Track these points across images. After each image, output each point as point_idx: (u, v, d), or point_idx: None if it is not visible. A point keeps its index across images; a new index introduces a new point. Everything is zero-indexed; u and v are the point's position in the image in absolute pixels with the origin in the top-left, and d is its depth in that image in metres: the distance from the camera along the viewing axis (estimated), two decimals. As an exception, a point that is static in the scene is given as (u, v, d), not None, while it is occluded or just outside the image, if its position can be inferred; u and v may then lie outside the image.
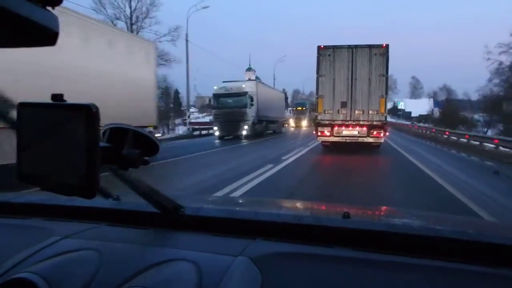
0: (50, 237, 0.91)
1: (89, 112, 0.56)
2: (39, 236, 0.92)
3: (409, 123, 45.76)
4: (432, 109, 65.28)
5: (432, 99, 76.00)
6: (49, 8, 0.51)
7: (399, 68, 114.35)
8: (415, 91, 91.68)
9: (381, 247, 0.85)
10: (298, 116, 41.86)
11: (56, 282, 0.71)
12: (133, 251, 0.86)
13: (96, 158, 0.57)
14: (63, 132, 0.60)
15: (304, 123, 39.86)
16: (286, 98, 33.83)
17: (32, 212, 1.13)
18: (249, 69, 59.09)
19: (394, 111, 79.87)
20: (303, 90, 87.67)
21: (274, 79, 52.87)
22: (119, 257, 0.83)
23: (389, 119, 55.33)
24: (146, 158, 0.70)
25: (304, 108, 42.40)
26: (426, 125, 36.35)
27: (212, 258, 0.82)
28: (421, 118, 61.22)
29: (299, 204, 1.63)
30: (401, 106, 79.15)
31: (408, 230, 0.96)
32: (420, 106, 68.91)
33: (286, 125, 37.39)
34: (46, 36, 0.51)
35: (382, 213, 1.47)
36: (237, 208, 0.96)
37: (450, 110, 46.77)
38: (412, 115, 68.74)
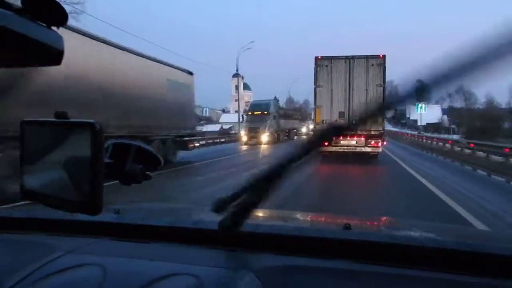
0: (52, 252, 0.90)
1: (93, 129, 0.56)
2: (42, 252, 0.91)
3: (414, 132, 38.88)
4: (442, 117, 59.89)
5: (439, 106, 67.25)
6: (54, 28, 0.52)
7: (402, 71, 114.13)
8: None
9: (383, 258, 0.85)
10: (253, 126, 25.33)
11: None
12: (136, 266, 0.86)
13: (100, 174, 0.57)
14: (67, 149, 0.60)
15: (265, 137, 24.67)
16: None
17: (33, 227, 1.12)
18: (236, 75, 52.72)
19: (396, 119, 75.64)
20: (297, 99, 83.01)
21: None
22: (122, 271, 0.83)
23: (392, 128, 53.15)
24: (148, 173, 0.70)
25: (265, 113, 26.01)
26: (439, 136, 29.87)
27: (215, 272, 0.82)
28: (430, 127, 54.62)
29: (299, 216, 1.64)
30: (408, 113, 71.23)
31: (409, 241, 0.95)
32: (427, 114, 63.33)
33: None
34: (52, 55, 0.53)
35: (382, 224, 1.46)
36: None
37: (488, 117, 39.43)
38: (419, 123, 63.29)
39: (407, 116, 69.85)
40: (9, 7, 0.47)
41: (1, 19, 0.45)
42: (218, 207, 0.86)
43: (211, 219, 0.95)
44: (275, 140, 25.95)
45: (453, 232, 1.48)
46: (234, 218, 0.86)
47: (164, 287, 0.75)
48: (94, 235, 1.03)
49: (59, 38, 0.53)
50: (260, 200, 0.82)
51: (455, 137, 29.95)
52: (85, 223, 1.07)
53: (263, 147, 22.36)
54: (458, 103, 65.01)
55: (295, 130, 34.23)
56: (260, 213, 1.61)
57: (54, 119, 0.60)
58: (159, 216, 1.33)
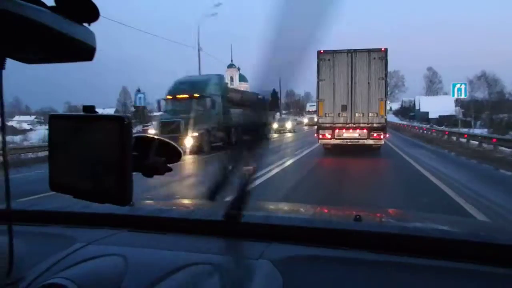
0: (73, 243, 0.93)
1: (123, 123, 0.57)
2: (63, 243, 0.93)
3: (424, 126, 32.37)
4: (455, 109, 48.07)
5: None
6: (85, 24, 0.54)
7: (410, 59, 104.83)
8: (432, 86, 73.31)
9: (393, 249, 0.87)
10: (169, 120, 14.99)
11: (87, 287, 0.73)
12: (156, 256, 0.88)
13: (130, 166, 0.58)
14: (95, 142, 0.61)
15: (188, 140, 14.19)
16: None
17: (51, 219, 1.15)
18: (231, 66, 49.29)
19: (404, 112, 68.72)
20: (298, 91, 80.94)
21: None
22: (144, 261, 0.85)
23: (399, 121, 50.08)
24: (169, 165, 0.72)
25: (197, 96, 15.44)
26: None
27: (235, 262, 0.87)
28: (443, 120, 45.06)
29: (310, 208, 1.69)
30: (417, 105, 62.41)
31: (419, 232, 1.00)
32: (439, 105, 52.02)
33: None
34: (85, 51, 0.55)
35: (391, 216, 1.49)
36: (249, 213, 0.97)
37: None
38: (430, 116, 52.26)
39: (417, 108, 62.29)
40: (44, 4, 0.50)
41: (38, 16, 0.48)
42: (211, 195, 0.90)
43: (218, 210, 0.98)
44: (209, 146, 15.12)
45: (460, 223, 1.54)
46: (236, 207, 0.90)
47: (187, 276, 0.77)
48: (111, 226, 1.06)
49: (91, 34, 0.54)
50: (248, 183, 0.88)
51: (478, 131, 25.00)
52: (102, 216, 1.10)
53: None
54: (480, 92, 55.45)
55: (268, 127, 27.13)
56: (272, 205, 1.66)
57: (82, 113, 0.61)
58: (171, 209, 1.39)
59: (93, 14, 0.53)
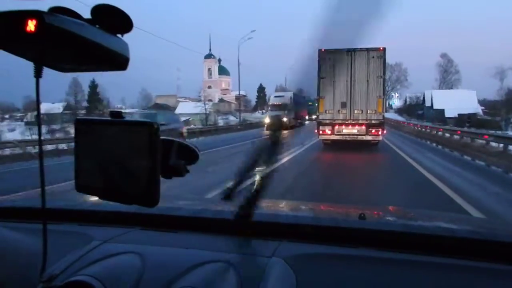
0: (90, 241, 0.94)
1: (152, 128, 0.59)
2: (80, 241, 0.94)
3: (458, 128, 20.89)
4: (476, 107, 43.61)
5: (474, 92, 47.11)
6: (119, 35, 0.56)
7: (417, 53, 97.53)
8: (446, 77, 60.35)
9: (398, 246, 0.89)
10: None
11: (110, 284, 0.73)
12: (172, 253, 0.90)
13: (158, 169, 0.60)
14: (123, 146, 0.62)
15: None
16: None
17: (64, 217, 1.15)
18: (209, 56, 44.97)
19: (410, 109, 56.57)
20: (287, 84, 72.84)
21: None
22: (160, 259, 0.86)
23: (402, 119, 43.34)
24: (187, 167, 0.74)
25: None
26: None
27: (249, 259, 0.87)
28: (463, 119, 36.48)
29: (315, 206, 1.72)
30: (428, 101, 51.76)
31: (422, 230, 1.02)
32: (459, 101, 43.53)
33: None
34: (119, 61, 0.57)
35: (394, 214, 1.52)
36: (260, 211, 1.01)
37: None
38: (447, 114, 43.17)
39: (428, 105, 51.38)
40: (81, 17, 0.53)
41: (75, 28, 0.50)
42: (227, 195, 0.94)
43: (228, 209, 1.01)
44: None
45: (462, 221, 1.59)
46: (246, 207, 0.93)
47: (203, 274, 0.78)
48: (125, 225, 1.07)
49: (125, 45, 0.56)
50: (263, 184, 0.91)
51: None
52: (114, 213, 1.11)
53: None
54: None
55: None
56: (278, 204, 1.68)
57: (109, 118, 0.64)
58: (182, 207, 1.40)
59: (126, 25, 0.55)
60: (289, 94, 30.85)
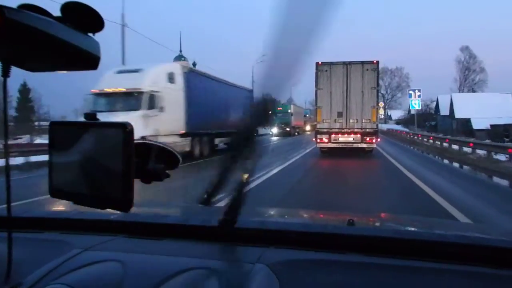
0: (71, 250, 0.92)
1: (125, 130, 0.58)
2: (60, 249, 0.92)
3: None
4: None
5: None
6: (90, 34, 0.54)
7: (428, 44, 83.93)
8: (468, 77, 46.58)
9: (387, 251, 0.90)
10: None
11: None
12: (154, 261, 0.88)
13: (132, 172, 0.59)
14: (97, 149, 0.61)
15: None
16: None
17: (46, 225, 1.14)
18: (179, 58, 34.68)
19: (418, 120, 35.71)
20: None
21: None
22: (142, 267, 0.85)
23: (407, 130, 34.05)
24: (167, 171, 0.73)
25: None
26: None
27: (232, 266, 0.87)
28: (498, 132, 26.52)
29: (304, 213, 1.72)
30: (444, 107, 40.20)
31: (410, 235, 1.03)
32: (487, 107, 32.74)
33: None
34: (90, 60, 0.56)
35: (383, 220, 1.53)
36: (246, 219, 1.02)
37: None
38: (476, 126, 31.98)
39: (445, 113, 39.91)
40: (50, 15, 0.51)
41: (44, 26, 0.49)
42: (204, 200, 0.92)
43: (213, 215, 1.01)
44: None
45: (450, 226, 1.63)
46: (231, 213, 0.92)
47: (186, 281, 0.78)
48: (107, 232, 1.06)
49: (96, 44, 0.55)
50: (242, 190, 0.89)
51: None
52: (97, 222, 1.10)
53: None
54: None
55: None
56: (266, 210, 1.68)
57: (83, 121, 0.63)
58: (167, 214, 1.40)
59: (98, 24, 0.54)
60: (288, 107, 34.29)
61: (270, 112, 0.88)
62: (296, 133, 37.84)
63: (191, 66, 19.00)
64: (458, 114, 36.58)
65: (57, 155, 0.66)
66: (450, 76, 49.09)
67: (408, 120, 48.14)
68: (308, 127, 41.43)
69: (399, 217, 1.79)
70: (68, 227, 1.12)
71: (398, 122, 53.38)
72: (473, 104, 35.17)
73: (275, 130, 32.52)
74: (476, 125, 32.73)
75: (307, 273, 0.83)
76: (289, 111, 35.80)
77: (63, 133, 0.66)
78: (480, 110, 33.26)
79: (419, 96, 29.95)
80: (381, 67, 55.64)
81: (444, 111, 40.79)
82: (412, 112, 37.13)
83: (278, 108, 32.94)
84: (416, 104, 30.17)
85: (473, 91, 45.23)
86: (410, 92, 31.27)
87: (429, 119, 44.22)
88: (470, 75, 47.73)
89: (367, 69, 14.28)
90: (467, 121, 34.51)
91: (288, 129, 35.58)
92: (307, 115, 45.05)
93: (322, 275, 0.83)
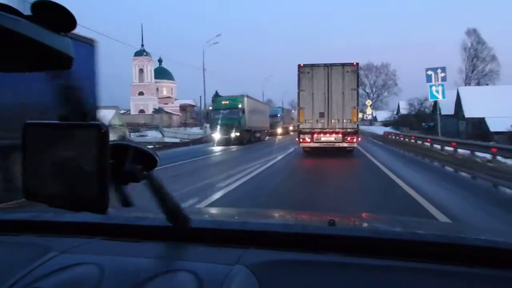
0: (46, 253, 0.90)
1: (100, 131, 0.57)
2: (35, 253, 0.91)
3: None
4: None
5: None
6: (62, 34, 0.53)
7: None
8: (478, 66, 37.81)
9: (367, 251, 0.89)
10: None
11: None
12: (132, 264, 0.87)
13: (107, 174, 0.58)
14: (71, 150, 0.61)
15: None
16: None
17: (21, 228, 1.12)
18: (140, 53, 31.18)
19: (412, 121, 35.49)
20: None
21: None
22: (120, 269, 0.84)
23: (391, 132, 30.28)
24: (145, 172, 0.72)
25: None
26: None
27: (211, 268, 0.85)
28: None
29: (286, 214, 1.73)
30: (445, 106, 30.37)
31: (389, 235, 1.04)
32: (505, 104, 25.86)
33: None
34: (62, 60, 0.54)
35: (364, 220, 1.54)
36: (227, 219, 0.99)
37: None
38: (493, 127, 26.00)
39: (448, 112, 31.85)
40: (20, 13, 0.49)
41: (13, 25, 0.46)
42: (125, 201, 0.85)
43: (194, 217, 0.99)
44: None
45: (429, 225, 1.66)
46: (174, 214, 0.89)
47: (164, 284, 0.78)
48: (84, 235, 1.04)
49: (68, 43, 0.54)
50: (157, 187, 0.82)
51: None
52: (74, 224, 1.09)
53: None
54: None
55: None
56: (247, 212, 1.69)
57: (57, 121, 0.62)
58: (146, 216, 1.36)
59: (70, 23, 0.53)
60: (239, 100, 24.37)
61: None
62: (254, 139, 26.54)
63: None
64: (468, 113, 29.18)
65: (31, 157, 0.65)
66: (452, 67, 35.98)
67: (398, 122, 42.86)
68: (279, 130, 34.62)
69: (380, 217, 1.84)
70: (44, 229, 1.11)
71: (385, 123, 48.61)
72: (486, 100, 27.65)
73: (216, 134, 23.54)
74: (494, 126, 25.82)
75: (288, 274, 0.84)
76: (240, 106, 24.11)
77: (37, 134, 0.65)
78: (497, 107, 25.81)
79: (443, 78, 19.06)
80: (366, 64, 56.32)
81: (446, 109, 31.66)
82: (431, 102, 28.62)
83: (223, 102, 24.71)
84: (438, 93, 19.14)
85: (480, 84, 36.13)
86: (430, 73, 19.23)
87: (427, 120, 37.14)
88: (478, 63, 38.47)
89: (348, 71, 14.72)
90: (480, 122, 27.70)
91: (237, 133, 23.51)
92: (278, 115, 36.27)
93: (302, 275, 0.83)
